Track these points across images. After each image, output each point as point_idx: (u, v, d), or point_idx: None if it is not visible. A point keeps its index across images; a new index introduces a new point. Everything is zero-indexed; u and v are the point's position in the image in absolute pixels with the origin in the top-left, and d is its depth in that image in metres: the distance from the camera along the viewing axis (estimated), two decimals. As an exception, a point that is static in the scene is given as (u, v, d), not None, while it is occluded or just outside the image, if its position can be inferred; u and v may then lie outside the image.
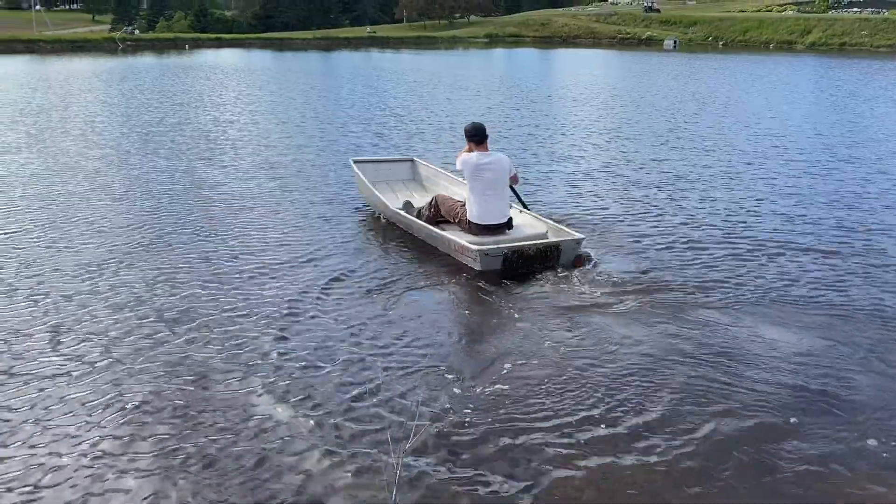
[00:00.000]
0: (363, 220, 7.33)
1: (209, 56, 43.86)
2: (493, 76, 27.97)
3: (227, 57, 43.14)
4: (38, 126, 13.77)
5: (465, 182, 6.34)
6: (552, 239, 6.01)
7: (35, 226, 6.98)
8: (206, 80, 25.14)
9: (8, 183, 8.86)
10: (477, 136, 6.28)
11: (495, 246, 5.72)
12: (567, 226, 6.49)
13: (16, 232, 6.77)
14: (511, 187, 6.56)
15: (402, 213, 6.80)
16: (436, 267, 5.92)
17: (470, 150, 6.30)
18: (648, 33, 66.92)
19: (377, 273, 5.72)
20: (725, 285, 5.43)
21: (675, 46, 57.73)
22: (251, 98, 19.58)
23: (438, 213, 6.51)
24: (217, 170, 9.73)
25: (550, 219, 6.67)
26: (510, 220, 6.24)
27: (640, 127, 13.90)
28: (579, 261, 5.84)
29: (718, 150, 11.23)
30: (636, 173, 9.53)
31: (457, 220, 6.32)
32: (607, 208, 7.74)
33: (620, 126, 14.06)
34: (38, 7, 79.77)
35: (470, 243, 5.78)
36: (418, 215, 6.63)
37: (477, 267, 5.70)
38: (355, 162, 8.07)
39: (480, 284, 5.48)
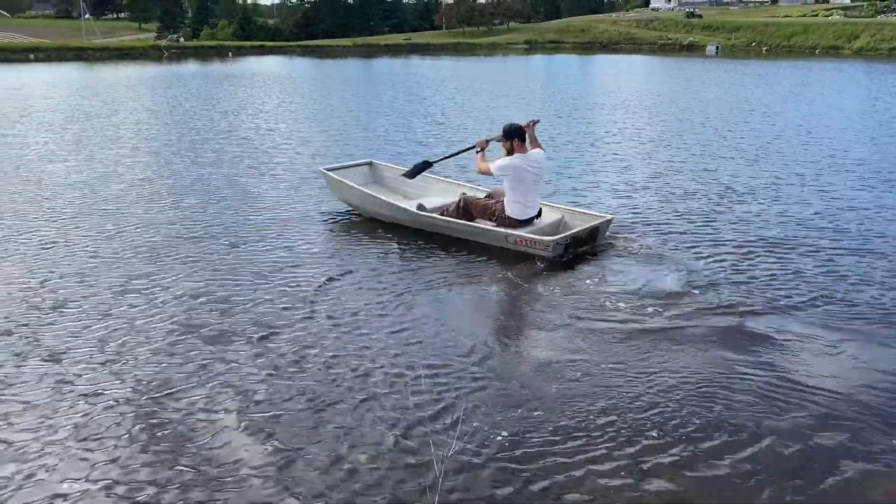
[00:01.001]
0: (388, 227, 7.23)
1: (252, 63, 44.49)
2: (534, 83, 27.81)
3: (270, 64, 43.71)
4: (85, 132, 14.05)
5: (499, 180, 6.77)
6: (592, 223, 6.64)
7: (74, 229, 7.07)
8: (248, 88, 25.45)
9: (55, 188, 9.01)
10: (520, 135, 6.65)
11: (561, 236, 6.31)
12: (582, 210, 7.12)
13: (60, 233, 6.87)
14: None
15: (426, 213, 7.03)
16: (465, 266, 6.02)
17: (511, 150, 6.63)
18: (690, 39, 66.17)
19: (416, 276, 5.69)
20: (777, 295, 5.26)
21: (717, 52, 56.94)
22: (294, 106, 19.71)
23: (468, 213, 6.84)
24: (259, 179, 9.77)
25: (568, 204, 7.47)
26: (540, 210, 6.80)
27: (685, 135, 13.61)
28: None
29: (768, 160, 10.91)
30: (683, 182, 9.30)
31: (494, 217, 6.70)
32: (654, 217, 7.55)
33: (664, 134, 13.81)
34: (87, 16, 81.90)
35: (538, 236, 6.36)
36: (443, 214, 6.91)
37: (549, 255, 6.20)
38: (328, 170, 8.07)
39: (519, 282, 5.53)
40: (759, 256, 6.25)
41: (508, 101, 20.23)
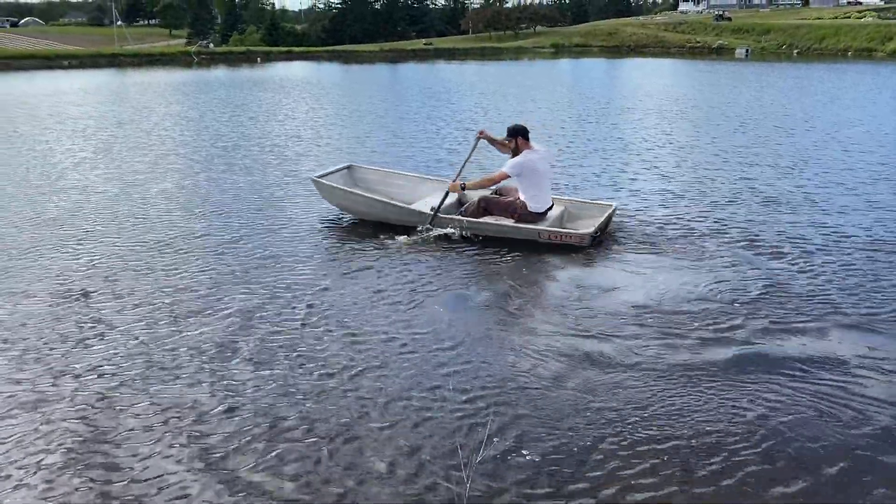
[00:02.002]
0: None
1: (280, 68, 44.81)
2: (562, 87, 27.64)
3: (297, 69, 43.99)
4: (114, 138, 14.22)
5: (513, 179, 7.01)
6: (607, 212, 7.18)
7: (102, 232, 7.14)
8: (276, 94, 25.61)
9: (86, 193, 9.10)
10: (525, 133, 7.04)
11: (594, 228, 6.83)
12: (584, 200, 7.75)
13: (92, 237, 6.93)
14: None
15: (447, 216, 7.09)
16: (494, 266, 5.92)
17: (518, 148, 6.99)
18: (719, 42, 65.39)
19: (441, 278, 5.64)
20: (816, 305, 5.13)
21: (747, 55, 56.20)
22: (321, 112, 19.77)
23: (488, 212, 7.08)
24: (284, 187, 9.80)
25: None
26: (553, 203, 7.19)
27: (719, 140, 13.39)
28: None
29: (807, 166, 10.67)
30: (717, 191, 9.14)
31: (514, 215, 6.98)
32: (690, 226, 7.42)
33: (697, 139, 13.63)
34: (119, 23, 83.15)
35: (574, 229, 6.91)
36: (464, 214, 7.09)
37: (585, 245, 6.65)
38: (320, 177, 8.09)
39: (545, 281, 5.52)
40: (797, 266, 6.12)
41: (536, 107, 20.10)
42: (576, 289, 5.63)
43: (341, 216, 7.95)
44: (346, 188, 7.89)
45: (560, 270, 6.06)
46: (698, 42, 67.15)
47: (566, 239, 6.72)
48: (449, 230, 7.02)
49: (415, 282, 5.84)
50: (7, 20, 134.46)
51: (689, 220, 7.65)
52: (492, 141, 7.53)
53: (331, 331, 4.89)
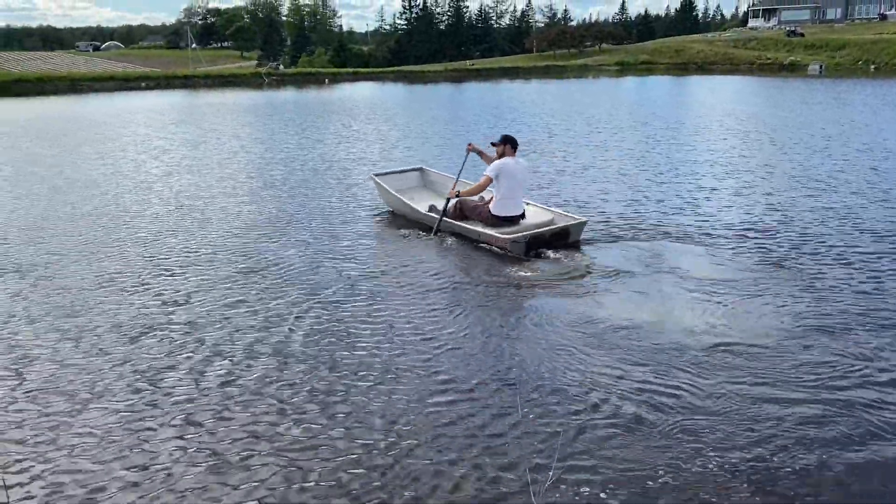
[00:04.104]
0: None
1: (347, 89, 45.69)
2: (629, 106, 27.31)
3: (363, 90, 44.78)
4: (184, 158, 14.71)
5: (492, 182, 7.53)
6: (562, 224, 7.40)
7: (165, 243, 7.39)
8: (343, 115, 26.08)
9: (156, 212, 9.45)
10: (513, 142, 7.68)
11: (521, 234, 7.05)
12: (571, 211, 8.02)
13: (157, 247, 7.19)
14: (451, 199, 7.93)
15: (432, 214, 8.00)
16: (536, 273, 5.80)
17: (503, 153, 7.60)
18: (791, 58, 63.67)
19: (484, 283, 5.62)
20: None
21: (821, 71, 54.55)
22: (389, 136, 20.04)
23: (462, 212, 7.72)
24: (345, 205, 9.96)
25: (557, 206, 8.27)
26: (524, 212, 7.61)
27: (795, 165, 12.99)
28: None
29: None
30: (794, 221, 8.87)
31: (479, 217, 7.58)
32: (766, 254, 7.24)
33: (772, 162, 13.23)
34: (194, 46, 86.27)
35: (499, 234, 7.15)
36: (444, 214, 7.77)
37: (508, 252, 6.95)
38: (376, 175, 9.36)
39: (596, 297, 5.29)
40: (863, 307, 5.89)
41: (608, 129, 19.91)
42: (653, 318, 5.53)
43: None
44: (389, 189, 8.78)
45: (641, 296, 5.95)
46: (768, 59, 65.55)
47: (494, 243, 7.17)
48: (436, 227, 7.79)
49: (485, 294, 5.86)
50: (90, 44, 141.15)
51: (750, 248, 7.46)
52: (479, 153, 8.29)
53: (390, 341, 4.93)
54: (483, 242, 7.34)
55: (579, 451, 3.63)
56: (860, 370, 4.46)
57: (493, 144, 7.90)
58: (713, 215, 8.68)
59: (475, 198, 7.92)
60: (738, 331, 5.10)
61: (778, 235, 7.68)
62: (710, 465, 3.49)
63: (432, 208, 8.14)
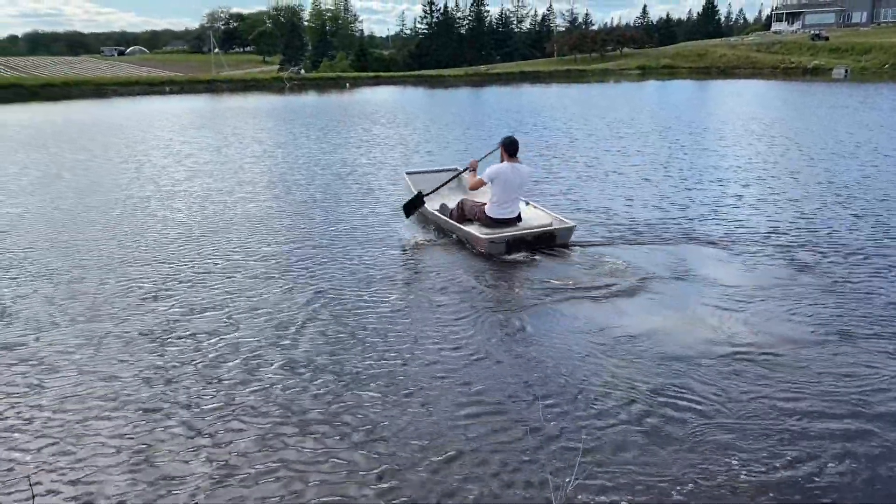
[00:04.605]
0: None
1: (367, 94, 45.86)
2: (652, 111, 27.14)
3: (384, 94, 44.92)
4: (207, 163, 14.84)
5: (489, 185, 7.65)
6: (548, 227, 7.46)
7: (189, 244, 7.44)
8: (364, 120, 26.18)
9: (190, 205, 9.53)
10: (513, 148, 7.64)
11: (499, 234, 7.23)
12: (567, 215, 8.04)
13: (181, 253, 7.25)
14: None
15: (437, 213, 8.27)
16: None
17: (502, 157, 7.67)
18: (815, 62, 62.99)
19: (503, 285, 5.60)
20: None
21: (846, 75, 53.91)
22: (409, 139, 20.08)
23: (463, 213, 7.90)
24: (361, 214, 9.98)
25: (558, 210, 8.35)
26: (519, 214, 7.68)
27: (821, 171, 12.81)
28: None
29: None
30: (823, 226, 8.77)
31: (476, 218, 7.73)
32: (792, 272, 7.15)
33: (798, 168, 13.08)
34: (216, 51, 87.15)
35: (479, 233, 7.27)
36: (449, 216, 8.01)
37: (484, 251, 7.14)
38: (408, 174, 9.84)
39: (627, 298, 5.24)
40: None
41: (632, 134, 19.81)
42: (687, 324, 5.49)
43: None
44: (412, 187, 9.18)
45: (671, 299, 5.92)
46: (792, 63, 64.91)
47: (474, 243, 7.36)
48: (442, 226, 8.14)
49: (503, 296, 5.84)
50: (115, 49, 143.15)
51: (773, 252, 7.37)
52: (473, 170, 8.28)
53: (410, 351, 4.93)
54: (468, 242, 7.54)
55: (601, 458, 3.61)
56: (890, 379, 4.38)
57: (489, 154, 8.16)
58: (739, 221, 8.60)
59: (477, 200, 8.01)
60: (763, 338, 5.04)
61: (804, 241, 7.59)
62: (735, 476, 3.45)
63: (443, 207, 8.27)
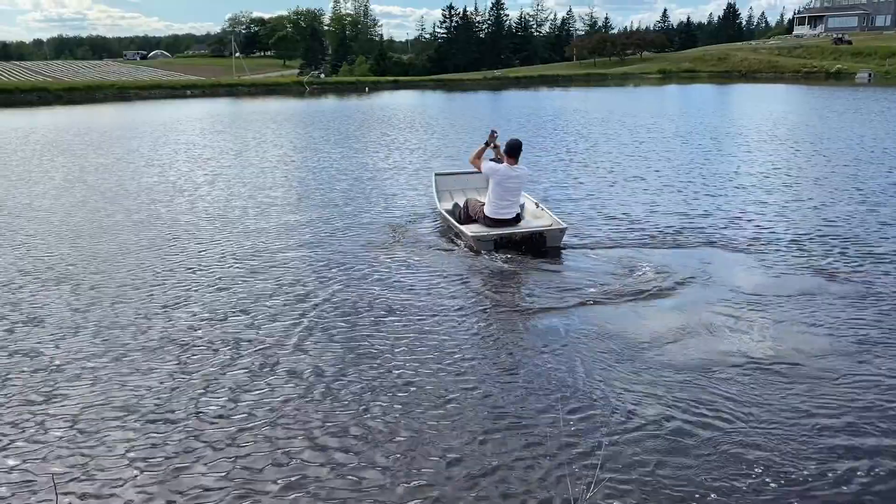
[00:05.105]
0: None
1: (386, 98, 46.03)
2: (673, 115, 26.96)
3: (403, 98, 45.07)
4: (228, 167, 14.93)
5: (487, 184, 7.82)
6: (537, 228, 7.56)
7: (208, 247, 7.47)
8: (383, 125, 26.24)
9: (200, 219, 9.59)
10: (514, 151, 7.78)
11: (486, 233, 7.40)
12: (553, 216, 7.99)
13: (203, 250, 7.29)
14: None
15: (445, 213, 8.40)
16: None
17: (500, 160, 7.92)
18: (838, 66, 62.34)
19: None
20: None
21: (869, 79, 53.30)
22: (428, 144, 20.08)
23: (468, 214, 8.00)
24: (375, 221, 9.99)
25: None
26: (518, 215, 7.76)
27: (847, 177, 12.65)
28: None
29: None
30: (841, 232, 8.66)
31: (476, 218, 7.85)
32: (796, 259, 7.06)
33: (824, 174, 12.92)
34: (237, 55, 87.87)
35: (469, 231, 7.49)
36: (459, 215, 8.09)
37: (473, 249, 7.36)
38: (437, 175, 10.07)
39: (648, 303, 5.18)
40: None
41: (659, 140, 19.71)
42: (701, 327, 5.44)
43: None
44: (434, 188, 9.51)
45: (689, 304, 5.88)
46: (814, 67, 64.29)
47: (465, 240, 7.60)
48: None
49: (524, 298, 5.81)
50: (138, 53, 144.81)
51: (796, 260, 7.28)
52: (494, 146, 8.33)
53: (432, 359, 4.91)
54: (464, 241, 7.73)
55: (621, 464, 3.58)
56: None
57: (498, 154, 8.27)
58: (763, 227, 8.50)
59: (480, 200, 8.11)
60: (787, 346, 4.97)
61: (829, 249, 7.48)
62: (757, 488, 3.39)
63: (455, 206, 8.34)
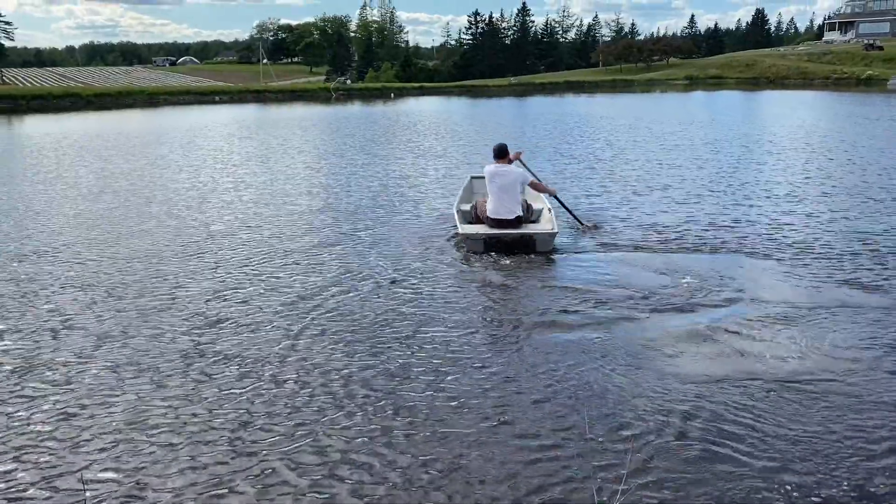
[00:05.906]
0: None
1: (411, 104, 46.20)
2: (701, 122, 26.70)
3: (428, 104, 45.20)
4: (255, 174, 15.06)
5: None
6: (526, 231, 7.78)
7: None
8: (408, 130, 26.32)
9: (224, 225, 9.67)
10: (497, 153, 8.36)
11: (476, 232, 7.65)
12: (553, 220, 8.14)
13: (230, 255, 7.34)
14: (556, 197, 8.86)
15: (455, 213, 8.57)
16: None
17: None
18: (869, 72, 61.45)
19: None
20: None
21: (902, 86, 52.41)
22: (451, 151, 20.12)
23: (476, 214, 8.34)
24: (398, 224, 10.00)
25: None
26: (518, 217, 7.94)
27: (882, 188, 12.50)
28: None
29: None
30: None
31: (482, 218, 8.15)
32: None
33: (858, 184, 12.73)
34: (265, 61, 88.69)
35: (461, 230, 7.84)
36: (471, 216, 8.38)
37: (464, 247, 7.68)
38: (473, 178, 10.31)
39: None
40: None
41: (673, 141, 19.55)
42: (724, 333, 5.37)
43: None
44: (461, 191, 9.82)
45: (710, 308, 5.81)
46: (844, 73, 63.41)
47: (460, 238, 7.87)
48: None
49: (547, 304, 5.78)
50: (167, 59, 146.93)
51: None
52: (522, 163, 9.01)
53: (452, 369, 4.90)
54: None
55: (647, 475, 3.54)
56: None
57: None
58: (794, 237, 8.37)
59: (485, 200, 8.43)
60: (816, 359, 4.88)
61: (861, 260, 7.34)
62: (786, 499, 3.33)
63: (472, 207, 8.56)
